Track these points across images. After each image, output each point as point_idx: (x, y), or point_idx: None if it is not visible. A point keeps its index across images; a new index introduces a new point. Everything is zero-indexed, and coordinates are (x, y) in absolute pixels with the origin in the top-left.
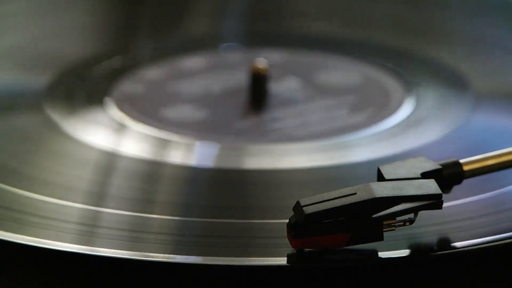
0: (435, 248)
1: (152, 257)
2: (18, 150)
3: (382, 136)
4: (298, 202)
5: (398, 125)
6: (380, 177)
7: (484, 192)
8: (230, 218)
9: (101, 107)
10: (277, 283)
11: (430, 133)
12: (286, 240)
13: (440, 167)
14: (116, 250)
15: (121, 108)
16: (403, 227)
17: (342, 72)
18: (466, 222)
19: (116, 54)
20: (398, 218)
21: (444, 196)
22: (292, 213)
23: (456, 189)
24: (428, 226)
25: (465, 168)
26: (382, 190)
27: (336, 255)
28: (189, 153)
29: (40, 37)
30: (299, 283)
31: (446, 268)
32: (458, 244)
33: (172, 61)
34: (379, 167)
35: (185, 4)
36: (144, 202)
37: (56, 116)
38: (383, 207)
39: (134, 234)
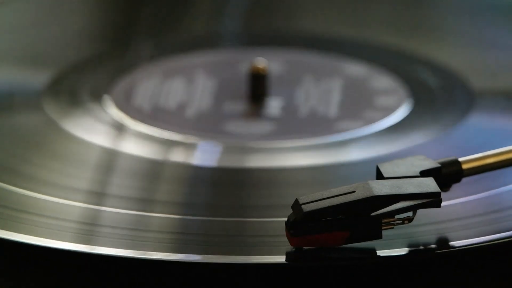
0: (433, 246)
1: (153, 255)
2: (18, 149)
3: (381, 135)
4: (297, 200)
5: (397, 124)
6: (379, 175)
7: (483, 190)
8: (229, 216)
9: (101, 106)
10: (276, 281)
11: (429, 132)
12: (285, 238)
13: (439, 165)
14: (117, 249)
15: (121, 107)
16: (401, 225)
17: (341, 71)
18: (464, 220)
19: (116, 53)
20: (396, 216)
21: (443, 194)
22: (291, 211)
23: (455, 187)
24: (426, 224)
25: (464, 166)
26: (381, 188)
27: (334, 253)
28: (189, 153)
29: (40, 36)
30: (298, 281)
31: (445, 267)
32: (456, 242)
33: (172, 60)
34: (378, 165)
35: (185, 4)
36: (145, 201)
37: (56, 115)
38: (382, 205)
39: (135, 233)
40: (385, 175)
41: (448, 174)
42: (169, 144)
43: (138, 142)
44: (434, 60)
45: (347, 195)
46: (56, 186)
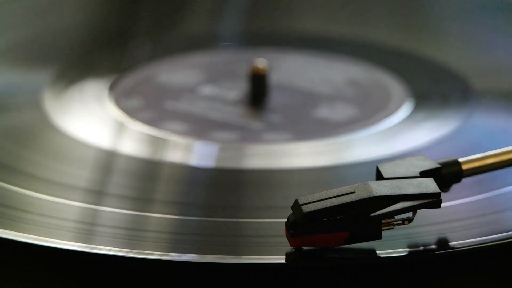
0: (433, 247)
1: (151, 255)
2: (17, 148)
3: (381, 136)
4: (296, 201)
5: (398, 125)
6: (379, 176)
7: (483, 191)
8: (229, 217)
9: (101, 106)
10: (275, 281)
11: (430, 133)
12: (285, 239)
13: (439, 166)
14: (114, 248)
15: (120, 107)
16: (401, 226)
17: (342, 72)
18: (464, 221)
19: (116, 53)
20: (396, 217)
21: (443, 195)
22: (290, 212)
23: (455, 188)
24: (426, 225)
25: (464, 167)
26: (380, 188)
27: (334, 253)
28: (188, 153)
29: (39, 35)
30: (298, 281)
31: (445, 268)
32: (456, 243)
33: (172, 60)
34: (378, 166)
35: (185, 3)
36: (143, 200)
37: (55, 114)
38: (382, 205)
39: (133, 233)
40: (385, 176)
41: (448, 175)
42: (168, 144)
43: (136, 141)
44: (435, 60)
45: (347, 195)
46: (55, 185)
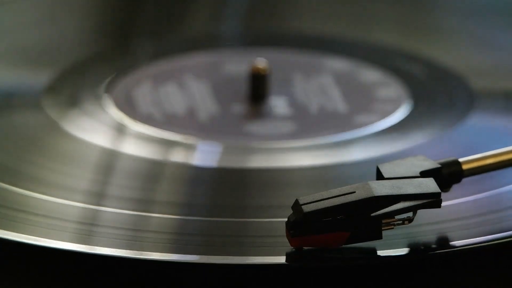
0: (433, 247)
1: (152, 256)
2: (18, 149)
3: (381, 135)
4: (297, 201)
5: (398, 124)
6: (379, 176)
7: (483, 191)
8: (229, 217)
9: (101, 107)
10: (276, 281)
11: (429, 133)
12: (285, 239)
13: (439, 166)
14: (116, 249)
15: (121, 107)
16: (402, 225)
17: (341, 72)
18: (465, 221)
19: (116, 53)
20: (397, 217)
21: (443, 195)
22: (291, 212)
23: (455, 188)
24: (427, 225)
25: (464, 167)
26: (381, 188)
27: (335, 253)
28: (190, 153)
29: (39, 36)
30: (298, 281)
31: (445, 267)
32: (456, 243)
33: (172, 61)
34: (378, 166)
35: (185, 4)
36: (145, 201)
37: (55, 115)
38: (382, 205)
39: (135, 233)
40: (385, 176)
41: (448, 175)
42: (169, 144)
43: (137, 142)
44: (434, 60)
45: (347, 195)
46: (56, 186)
